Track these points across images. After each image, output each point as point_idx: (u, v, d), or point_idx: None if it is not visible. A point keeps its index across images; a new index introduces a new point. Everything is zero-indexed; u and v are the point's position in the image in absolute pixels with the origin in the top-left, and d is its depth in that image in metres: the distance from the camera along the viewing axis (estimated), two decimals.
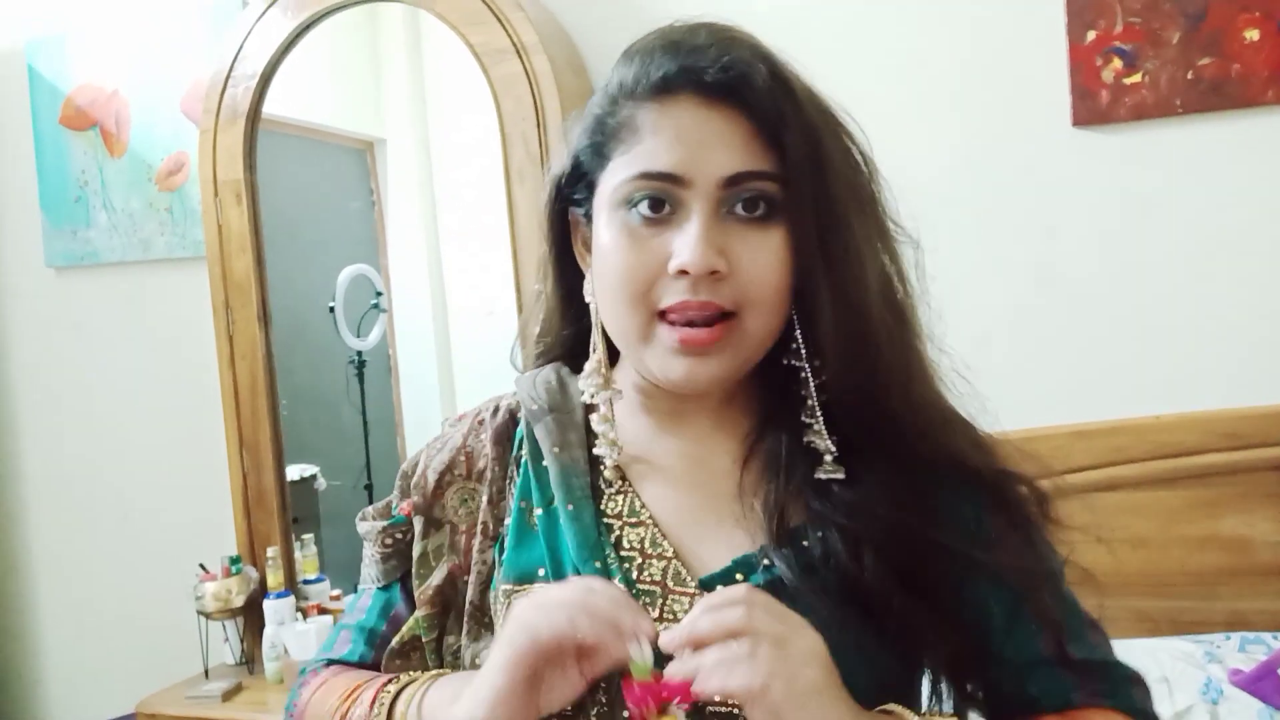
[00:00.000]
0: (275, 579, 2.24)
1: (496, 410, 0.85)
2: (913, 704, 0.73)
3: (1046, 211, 1.88)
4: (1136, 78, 1.81)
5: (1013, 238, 1.90)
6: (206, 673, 2.26)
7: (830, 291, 0.71)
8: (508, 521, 0.80)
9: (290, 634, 2.18)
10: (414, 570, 0.82)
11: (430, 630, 0.81)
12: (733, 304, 0.71)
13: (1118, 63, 1.81)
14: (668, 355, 0.72)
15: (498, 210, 2.08)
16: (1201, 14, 1.77)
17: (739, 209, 0.71)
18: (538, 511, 0.78)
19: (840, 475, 0.74)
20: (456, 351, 2.48)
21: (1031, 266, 1.90)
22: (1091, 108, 1.83)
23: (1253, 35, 1.75)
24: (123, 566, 2.55)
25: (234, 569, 2.25)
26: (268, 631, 2.20)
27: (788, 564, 0.71)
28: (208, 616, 2.24)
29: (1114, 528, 1.75)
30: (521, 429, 0.83)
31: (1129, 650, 1.59)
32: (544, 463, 0.79)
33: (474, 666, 0.78)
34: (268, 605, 2.21)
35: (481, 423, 0.85)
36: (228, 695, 2.14)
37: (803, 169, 0.70)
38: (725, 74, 0.70)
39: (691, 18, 0.76)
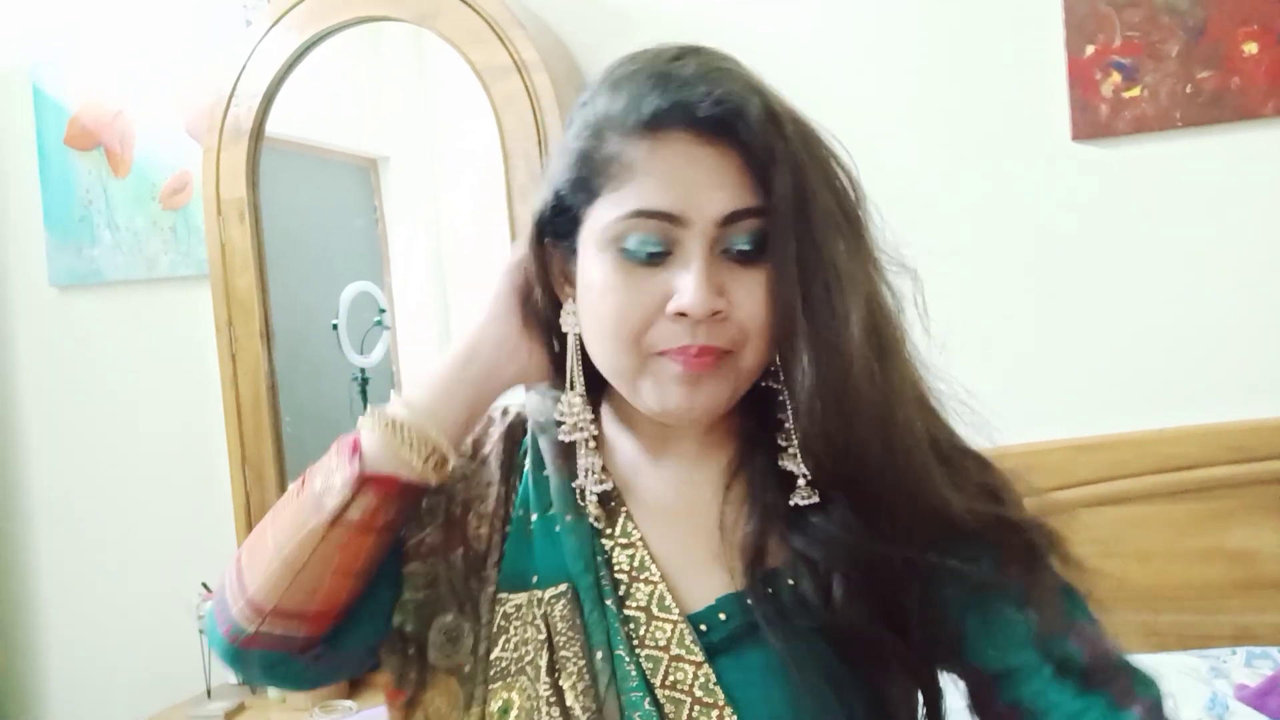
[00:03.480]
0: None
1: (506, 411, 0.87)
2: None
3: (1047, 225, 1.88)
4: (1136, 91, 1.81)
5: (1013, 251, 1.90)
6: (209, 692, 2.25)
7: (808, 337, 0.70)
8: (507, 529, 0.81)
9: None
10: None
11: (415, 590, 0.78)
12: (730, 344, 0.72)
13: (1117, 76, 1.82)
14: (666, 384, 0.72)
15: (500, 227, 2.09)
16: (1200, 27, 1.77)
17: (732, 248, 0.71)
18: (534, 518, 0.80)
19: (814, 500, 0.73)
20: None
21: (1032, 280, 1.90)
22: (1091, 121, 1.83)
23: (1251, 48, 1.76)
24: (125, 585, 2.54)
25: None
26: None
27: (764, 612, 0.72)
28: None
29: (1118, 542, 1.75)
30: (528, 439, 0.84)
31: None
32: (545, 472, 0.81)
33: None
34: None
35: (491, 420, 0.86)
36: (230, 715, 2.13)
37: (787, 207, 0.70)
38: (719, 109, 0.69)
39: (675, 41, 0.74)
